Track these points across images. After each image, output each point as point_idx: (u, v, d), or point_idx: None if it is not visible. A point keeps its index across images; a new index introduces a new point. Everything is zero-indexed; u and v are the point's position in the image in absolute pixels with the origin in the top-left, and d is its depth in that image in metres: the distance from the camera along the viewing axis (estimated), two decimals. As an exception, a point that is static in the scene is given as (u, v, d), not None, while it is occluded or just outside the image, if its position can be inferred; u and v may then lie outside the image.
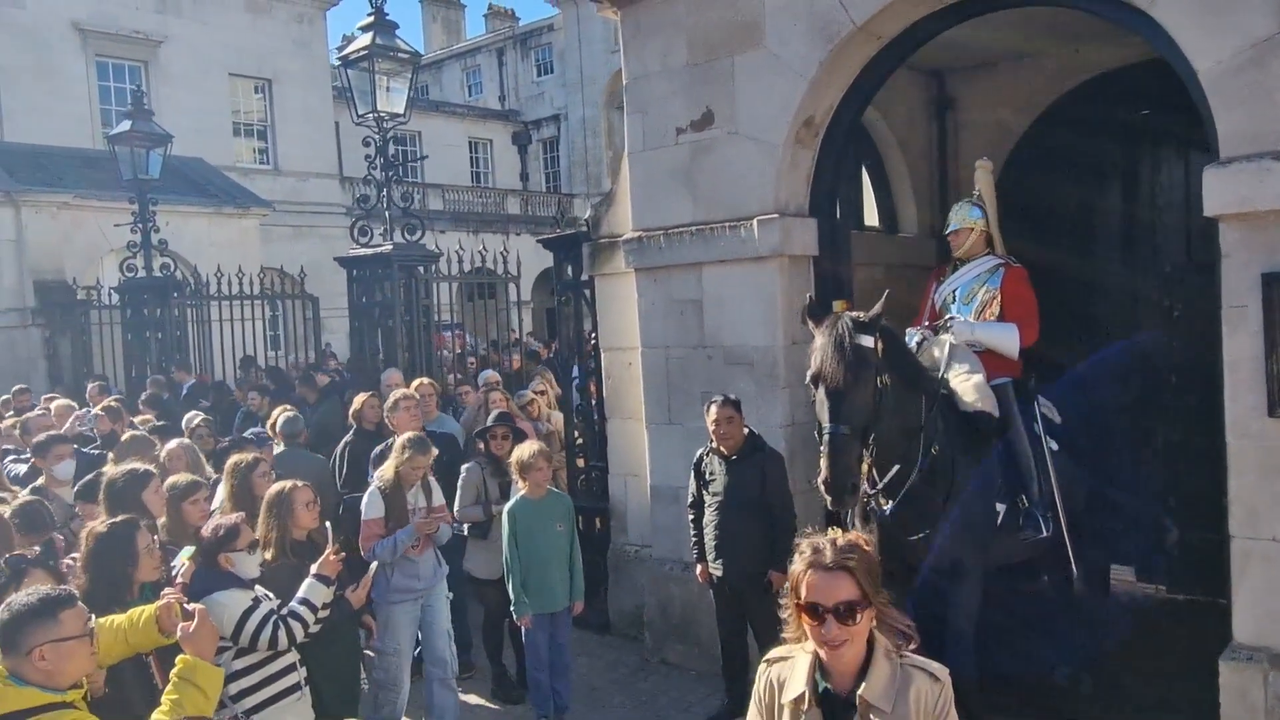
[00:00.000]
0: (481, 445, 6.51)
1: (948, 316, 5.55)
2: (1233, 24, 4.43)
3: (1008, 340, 5.39)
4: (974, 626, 5.00)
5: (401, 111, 9.22)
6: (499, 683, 6.39)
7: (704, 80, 6.30)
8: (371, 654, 5.48)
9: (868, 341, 4.39)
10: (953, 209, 5.84)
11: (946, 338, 5.37)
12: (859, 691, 2.30)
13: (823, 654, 2.34)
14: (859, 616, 2.27)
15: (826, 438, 4.33)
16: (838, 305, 5.79)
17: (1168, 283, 7.45)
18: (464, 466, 6.38)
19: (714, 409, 5.42)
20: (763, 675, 2.50)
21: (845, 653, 2.30)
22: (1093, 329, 7.56)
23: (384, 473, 5.46)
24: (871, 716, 2.28)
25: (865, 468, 4.61)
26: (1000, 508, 5.01)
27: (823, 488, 4.38)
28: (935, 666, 2.38)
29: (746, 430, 5.51)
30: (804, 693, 2.36)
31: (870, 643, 2.34)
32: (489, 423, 6.57)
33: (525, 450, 5.64)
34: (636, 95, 6.67)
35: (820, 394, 4.40)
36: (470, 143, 33.14)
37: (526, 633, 5.67)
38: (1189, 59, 4.60)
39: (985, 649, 5.18)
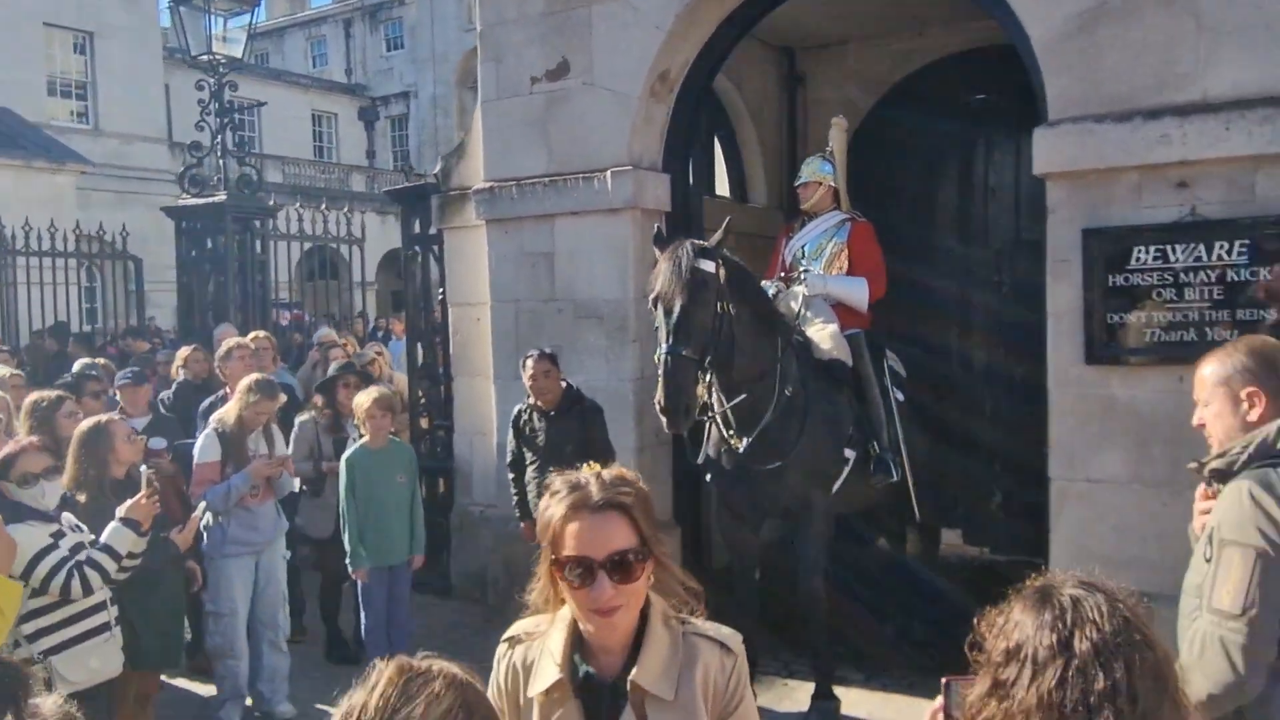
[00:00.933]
0: (320, 400, 6.22)
1: (800, 270, 5.66)
2: (1064, -7, 4.69)
3: (858, 294, 5.56)
4: (827, 562, 5.11)
5: (240, 55, 8.72)
6: (333, 644, 6.12)
7: (560, 30, 6.21)
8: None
9: (708, 266, 4.42)
10: (805, 162, 5.97)
11: (800, 289, 5.48)
12: (631, 675, 1.76)
13: (588, 626, 1.78)
14: (638, 571, 1.75)
15: (663, 359, 4.34)
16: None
17: (998, 258, 7.88)
18: (298, 420, 6.08)
19: (530, 363, 5.31)
20: (503, 659, 1.93)
21: (619, 622, 1.76)
22: (929, 300, 7.90)
23: (225, 415, 5.12)
24: (647, 707, 1.77)
25: (702, 391, 4.63)
26: (850, 454, 5.14)
27: (658, 408, 4.37)
28: (726, 634, 1.89)
29: (564, 383, 5.43)
30: (559, 679, 1.79)
31: (644, 610, 1.82)
32: (332, 372, 6.28)
33: (367, 397, 5.41)
34: (491, 43, 6.51)
35: (659, 315, 4.40)
36: (314, 116, 31.87)
37: (363, 587, 5.44)
38: (1024, 26, 4.83)
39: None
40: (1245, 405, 2.50)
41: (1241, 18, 4.30)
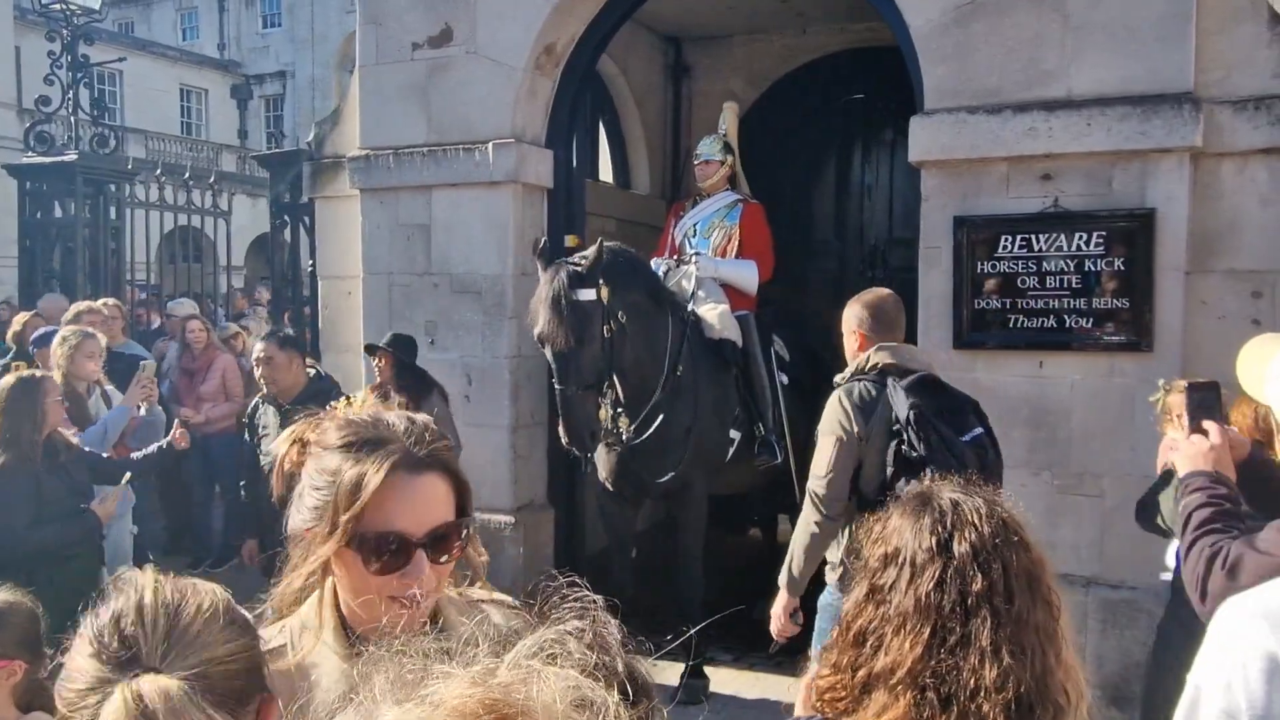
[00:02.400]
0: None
1: (692, 253, 5.66)
2: (942, -14, 4.81)
3: (748, 276, 5.59)
4: (702, 547, 5.11)
5: (96, 7, 8.16)
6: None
7: (444, -5, 6.03)
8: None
9: (588, 295, 4.36)
10: (704, 140, 5.98)
11: (692, 269, 5.47)
12: None
13: (372, 619, 1.34)
14: (458, 549, 1.38)
15: (559, 398, 4.46)
16: (569, 240, 5.74)
17: (871, 254, 8.09)
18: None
19: (259, 345, 4.84)
20: None
21: (421, 610, 1.38)
22: (805, 291, 8.04)
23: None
24: None
25: (609, 406, 4.79)
26: (735, 435, 5.15)
27: (563, 442, 4.59)
28: (502, 596, 1.60)
29: (314, 372, 5.03)
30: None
31: None
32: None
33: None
34: (370, 4, 6.28)
35: (548, 353, 4.40)
36: (182, 90, 30.30)
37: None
38: (904, 16, 4.93)
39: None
40: (855, 339, 3.56)
41: (1105, 18, 4.49)
